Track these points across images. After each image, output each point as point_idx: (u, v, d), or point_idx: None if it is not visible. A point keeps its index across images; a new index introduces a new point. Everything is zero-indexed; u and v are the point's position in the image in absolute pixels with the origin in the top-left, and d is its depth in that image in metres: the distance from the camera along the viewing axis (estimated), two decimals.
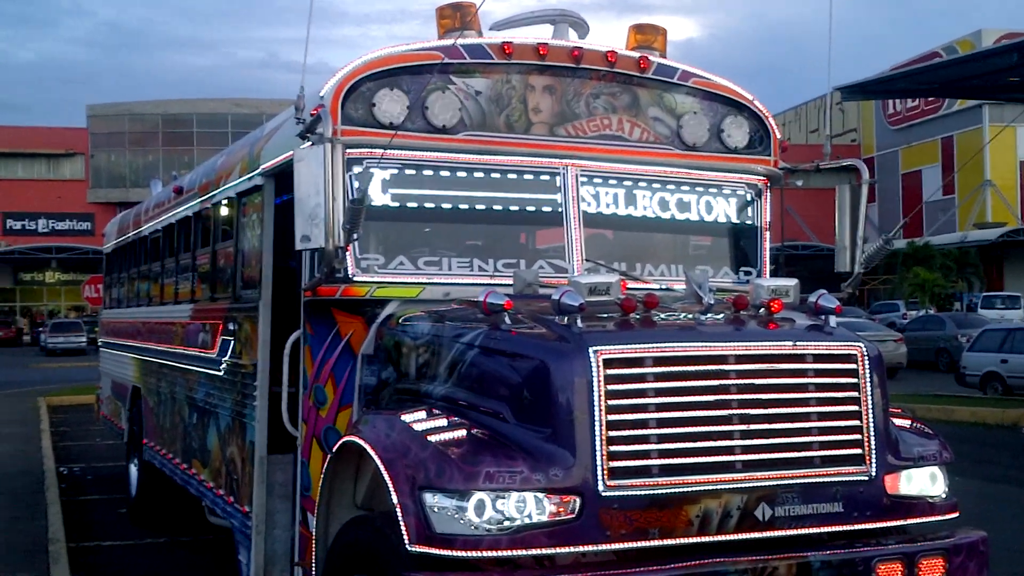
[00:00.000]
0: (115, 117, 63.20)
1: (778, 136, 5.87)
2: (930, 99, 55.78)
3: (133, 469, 9.63)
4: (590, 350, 3.99)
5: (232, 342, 6.39)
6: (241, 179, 6.36)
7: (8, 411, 18.85)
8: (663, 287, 5.29)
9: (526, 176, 5.31)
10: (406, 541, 3.90)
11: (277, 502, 5.68)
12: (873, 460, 4.34)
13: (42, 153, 62.40)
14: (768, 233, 5.86)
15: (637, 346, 4.08)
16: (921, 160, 61.32)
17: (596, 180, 5.43)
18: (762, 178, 5.84)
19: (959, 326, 29.64)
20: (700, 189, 5.72)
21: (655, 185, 5.61)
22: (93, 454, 13.59)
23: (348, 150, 4.84)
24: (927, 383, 24.13)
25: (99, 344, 12.52)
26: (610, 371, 3.99)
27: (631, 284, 5.01)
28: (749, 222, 5.85)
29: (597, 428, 3.93)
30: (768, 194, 5.88)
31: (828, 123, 38.37)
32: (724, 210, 5.80)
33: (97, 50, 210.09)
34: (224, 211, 6.83)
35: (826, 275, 6.02)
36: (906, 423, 4.79)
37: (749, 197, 5.84)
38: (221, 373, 6.57)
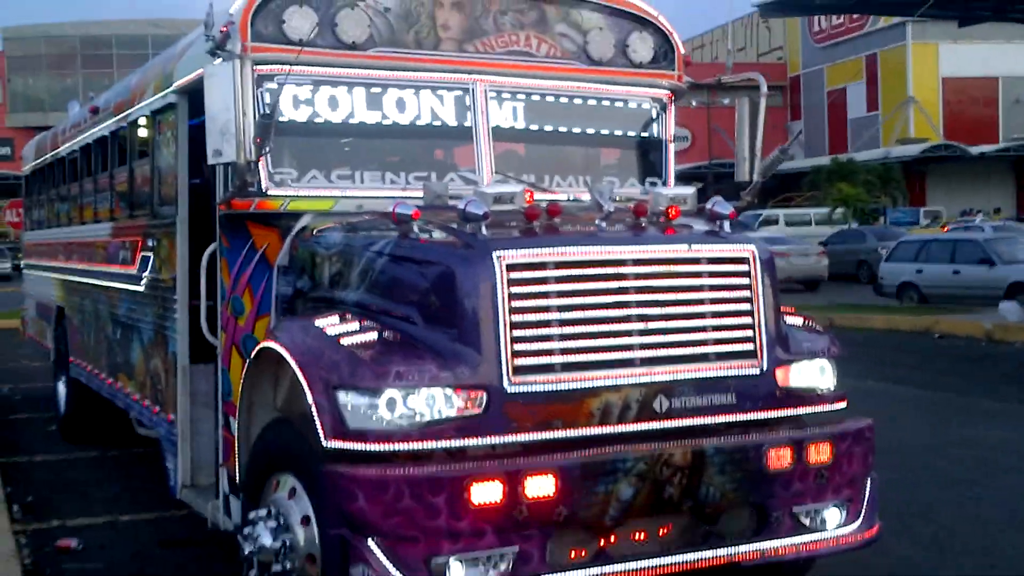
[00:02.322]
0: (31, 40, 61.46)
1: (682, 51, 6.03)
2: (855, 17, 56.32)
3: (61, 387, 9.71)
4: (493, 255, 4.19)
5: (152, 258, 6.49)
6: (155, 97, 6.41)
7: None
8: (571, 198, 5.49)
9: (435, 92, 5.44)
10: (322, 437, 4.10)
11: (200, 409, 5.85)
12: (764, 355, 4.59)
13: None
14: (672, 145, 6.06)
15: (538, 251, 4.28)
16: (846, 77, 62.01)
17: (504, 95, 5.57)
18: (667, 92, 6.02)
19: (879, 239, 30.31)
20: (606, 103, 5.89)
21: (563, 100, 5.77)
22: (21, 375, 13.56)
23: (257, 66, 4.94)
24: (847, 294, 24.80)
25: (22, 267, 12.46)
26: (513, 275, 4.19)
27: (539, 195, 5.19)
28: (654, 135, 6.04)
29: (501, 328, 4.14)
30: (673, 108, 6.06)
31: (730, 39, 38.65)
32: (630, 124, 5.99)
33: None
34: (140, 130, 6.88)
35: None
36: (798, 321, 5.05)
37: (654, 111, 6.02)
38: (142, 289, 6.68)
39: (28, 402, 11.67)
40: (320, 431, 4.11)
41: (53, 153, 10.02)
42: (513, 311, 4.17)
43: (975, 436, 9.32)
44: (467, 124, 5.45)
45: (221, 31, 4.77)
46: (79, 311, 8.78)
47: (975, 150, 52.42)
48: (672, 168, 6.05)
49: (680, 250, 4.53)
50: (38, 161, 10.98)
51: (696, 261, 4.53)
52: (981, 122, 57.73)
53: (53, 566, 6.02)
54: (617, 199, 5.01)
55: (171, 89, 6.04)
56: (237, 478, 5.02)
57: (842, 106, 62.69)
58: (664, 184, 5.95)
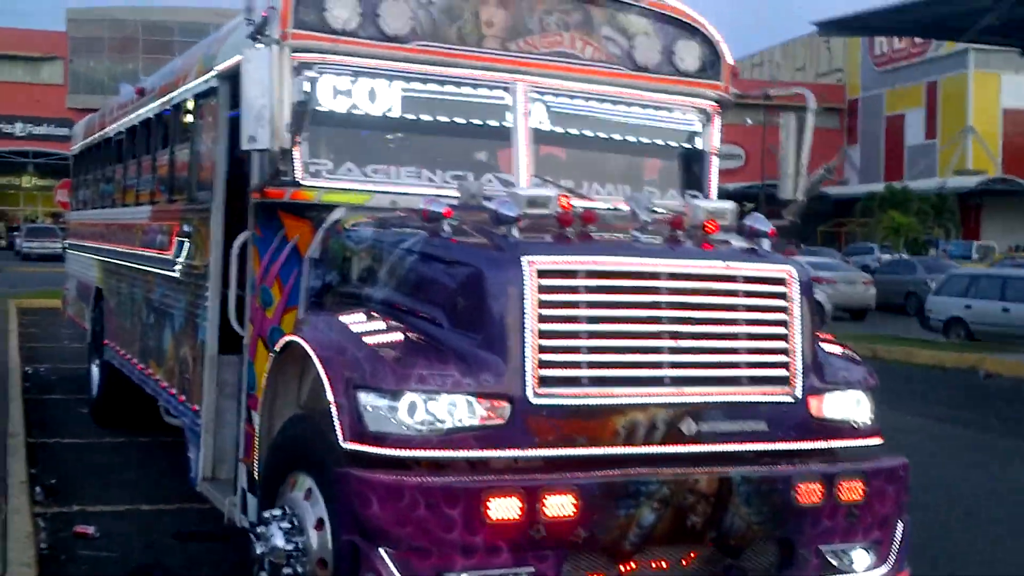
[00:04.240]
0: (95, 22, 62.28)
1: (730, 62, 5.90)
2: (917, 42, 55.72)
3: (95, 369, 9.71)
4: (523, 260, 4.07)
5: (187, 243, 6.45)
6: (197, 81, 6.39)
7: None
8: (609, 206, 5.36)
9: (476, 89, 5.35)
10: (340, 438, 3.99)
11: (226, 401, 5.77)
12: (799, 382, 4.42)
13: (20, 56, 61.46)
14: (716, 158, 5.92)
15: (570, 258, 4.16)
16: (905, 103, 61.40)
17: (546, 97, 5.47)
18: (712, 103, 5.88)
19: (929, 270, 29.82)
20: (650, 111, 5.77)
21: (606, 105, 5.66)
22: (60, 355, 13.63)
23: (296, 54, 4.87)
24: (893, 326, 24.40)
25: (66, 246, 12.55)
26: (543, 281, 4.06)
27: (575, 201, 5.07)
28: (698, 146, 5.91)
29: (528, 337, 4.01)
30: (718, 120, 5.92)
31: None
32: (673, 133, 5.86)
33: None
34: (182, 113, 6.86)
35: (805, 213, 6.08)
36: (836, 349, 4.88)
37: (699, 121, 5.89)
38: (176, 274, 6.65)
39: (65, 383, 11.71)
40: (339, 431, 4.00)
41: (100, 133, 10.06)
42: (541, 319, 4.04)
43: (1016, 481, 9.05)
44: (507, 124, 5.35)
45: (262, 16, 4.72)
46: (116, 294, 8.79)
47: None
48: (714, 182, 5.92)
49: (716, 267, 4.38)
50: (86, 141, 11.04)
51: (732, 279, 4.38)
52: None
53: (68, 552, 5.98)
54: (655, 210, 4.88)
55: (212, 73, 6.01)
56: (256, 474, 4.94)
57: (900, 132, 62.04)
58: (705, 198, 5.81)
